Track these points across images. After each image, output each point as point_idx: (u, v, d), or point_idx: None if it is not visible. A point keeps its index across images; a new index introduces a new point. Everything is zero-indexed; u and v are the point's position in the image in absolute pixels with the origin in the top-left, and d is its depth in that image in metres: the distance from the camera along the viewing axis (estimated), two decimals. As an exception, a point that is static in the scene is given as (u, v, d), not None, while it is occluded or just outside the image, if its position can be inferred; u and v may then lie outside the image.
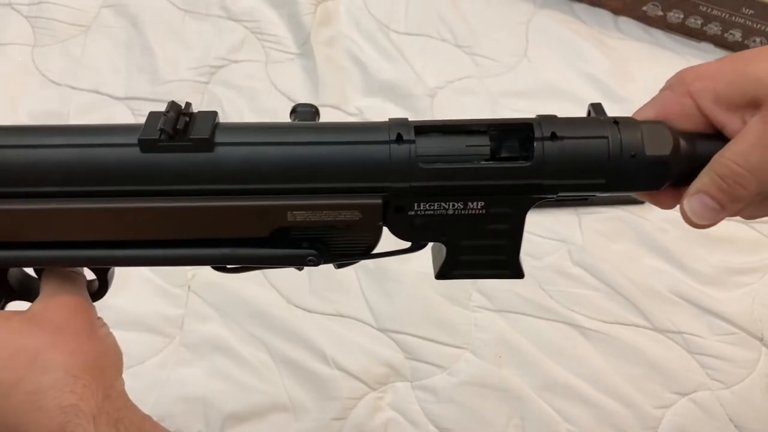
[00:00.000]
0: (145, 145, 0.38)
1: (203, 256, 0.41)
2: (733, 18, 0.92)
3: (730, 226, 0.80)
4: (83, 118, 0.88)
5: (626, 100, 0.88)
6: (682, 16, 0.95)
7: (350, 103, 0.89)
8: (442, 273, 0.43)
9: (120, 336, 0.70)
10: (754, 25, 0.91)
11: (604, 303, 0.74)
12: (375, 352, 0.71)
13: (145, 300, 0.73)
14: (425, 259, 0.76)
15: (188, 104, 0.40)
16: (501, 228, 0.41)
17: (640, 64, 0.94)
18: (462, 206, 0.40)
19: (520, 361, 0.70)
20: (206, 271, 0.75)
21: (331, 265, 0.80)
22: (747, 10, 0.90)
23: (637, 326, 0.73)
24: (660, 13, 0.96)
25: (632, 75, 0.93)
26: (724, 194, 0.39)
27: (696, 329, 0.73)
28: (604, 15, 0.99)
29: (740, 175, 0.39)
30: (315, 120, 0.43)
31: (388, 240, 0.42)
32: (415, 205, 0.40)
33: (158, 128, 0.38)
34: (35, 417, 0.36)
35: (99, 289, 0.46)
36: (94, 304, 0.45)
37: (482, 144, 0.40)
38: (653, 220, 0.80)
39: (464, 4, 0.99)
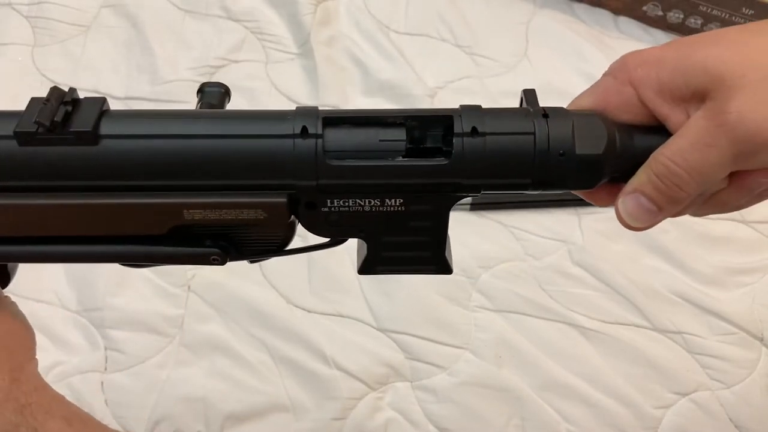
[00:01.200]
0: (22, 138, 0.35)
1: (99, 253, 0.39)
2: (733, 18, 0.92)
3: (730, 226, 0.80)
4: (83, 118, 0.88)
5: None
6: (682, 16, 0.95)
7: (350, 103, 0.89)
8: (365, 268, 0.40)
9: (120, 336, 0.71)
10: (754, 25, 0.91)
11: (604, 303, 0.74)
12: (375, 352, 0.71)
13: (145, 300, 0.73)
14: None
15: (72, 89, 0.36)
16: (423, 225, 0.39)
17: (640, 64, 0.94)
18: (379, 203, 0.37)
19: (520, 361, 0.70)
20: (207, 270, 0.75)
21: (331, 265, 0.80)
22: (747, 10, 0.90)
23: (637, 326, 0.73)
24: (660, 13, 0.96)
25: (632, 75, 0.93)
26: (660, 195, 0.36)
27: (696, 329, 0.73)
28: (604, 15, 0.99)
29: (678, 175, 0.35)
30: (224, 102, 0.40)
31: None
32: (328, 201, 0.37)
33: (34, 120, 0.34)
34: None
35: (1, 280, 0.44)
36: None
37: (398, 139, 0.36)
38: (653, 220, 0.80)
39: (464, 4, 0.99)
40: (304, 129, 0.36)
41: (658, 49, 0.37)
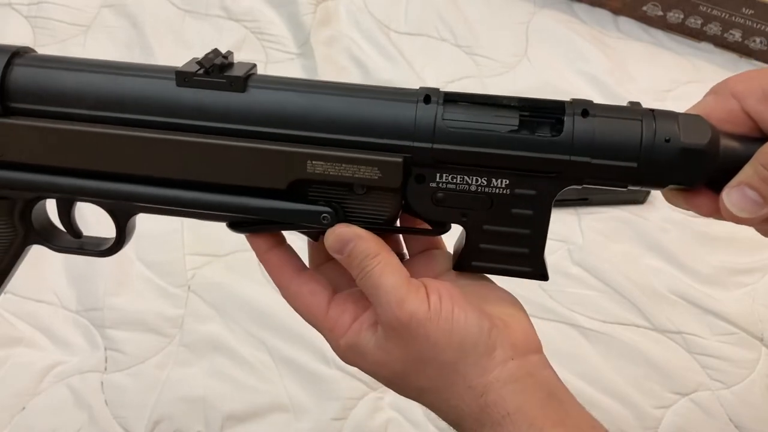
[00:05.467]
0: (181, 77, 0.39)
1: (222, 203, 0.41)
2: (733, 18, 0.92)
3: (730, 226, 0.79)
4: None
5: (626, 100, 0.88)
6: (682, 16, 0.95)
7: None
8: (461, 263, 0.42)
9: (120, 336, 0.71)
10: (754, 25, 0.91)
11: (604, 303, 0.74)
12: (375, 352, 0.71)
13: (145, 300, 0.73)
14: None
15: (230, 52, 0.41)
16: (525, 214, 0.40)
17: (640, 64, 0.94)
18: (485, 183, 0.39)
19: (520, 361, 0.70)
20: (206, 270, 0.75)
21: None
22: (747, 10, 0.90)
23: (637, 326, 0.73)
24: (660, 13, 0.96)
25: (632, 75, 0.93)
26: (766, 185, 0.37)
27: (696, 329, 0.72)
28: (604, 15, 0.99)
29: None
30: None
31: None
32: (437, 176, 0.39)
33: (196, 62, 0.39)
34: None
35: (116, 241, 0.45)
36: (112, 257, 0.45)
37: (511, 116, 0.38)
38: (653, 220, 0.80)
39: (464, 3, 0.99)
40: (427, 97, 0.39)
41: (758, 70, 0.40)
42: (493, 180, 0.39)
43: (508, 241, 0.41)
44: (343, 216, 0.41)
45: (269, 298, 0.74)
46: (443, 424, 0.67)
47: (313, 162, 0.39)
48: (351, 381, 0.69)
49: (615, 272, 0.76)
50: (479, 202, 0.40)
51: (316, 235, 0.43)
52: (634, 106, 0.40)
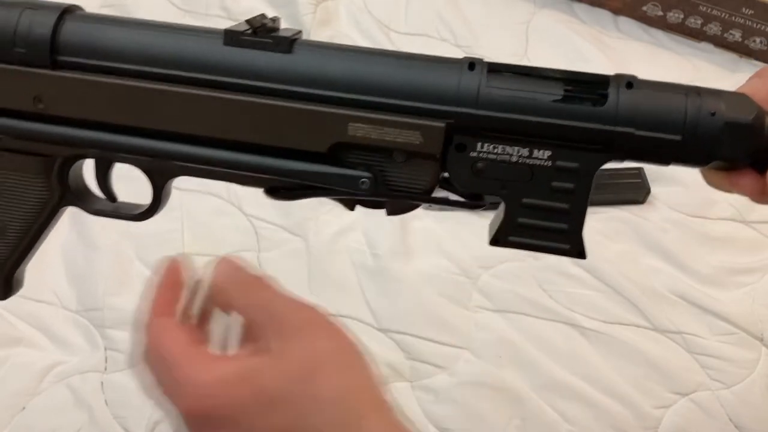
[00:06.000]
0: (229, 36, 0.39)
1: (262, 165, 0.41)
2: (733, 18, 0.92)
3: (730, 226, 0.80)
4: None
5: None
6: (682, 16, 0.95)
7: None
8: (497, 237, 0.41)
9: (120, 336, 0.71)
10: (754, 25, 0.91)
11: (604, 303, 0.74)
12: (375, 352, 0.71)
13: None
14: (426, 258, 0.76)
15: (277, 17, 0.41)
16: (566, 187, 0.39)
17: (640, 64, 0.94)
18: (527, 154, 0.39)
19: (520, 361, 0.70)
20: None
21: (331, 265, 0.80)
22: (747, 10, 0.90)
23: (637, 326, 0.73)
24: (660, 13, 0.96)
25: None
26: None
27: (696, 329, 0.72)
28: (604, 15, 0.99)
29: None
30: None
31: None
32: (478, 145, 0.39)
33: (245, 21, 0.39)
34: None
35: (152, 204, 0.45)
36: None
37: (555, 87, 0.38)
38: (653, 220, 0.80)
39: (464, 4, 0.99)
40: (472, 64, 0.39)
41: None
42: (535, 151, 0.39)
43: (547, 216, 0.40)
44: (383, 182, 0.41)
45: (269, 298, 0.74)
46: (443, 424, 0.68)
47: (355, 124, 0.39)
48: (351, 381, 0.69)
49: (615, 272, 0.75)
50: (520, 174, 0.39)
51: (352, 204, 0.43)
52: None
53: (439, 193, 0.43)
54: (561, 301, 0.74)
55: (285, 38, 0.39)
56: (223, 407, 0.35)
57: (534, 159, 0.39)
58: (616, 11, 0.98)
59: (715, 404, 0.69)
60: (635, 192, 0.81)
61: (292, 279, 0.75)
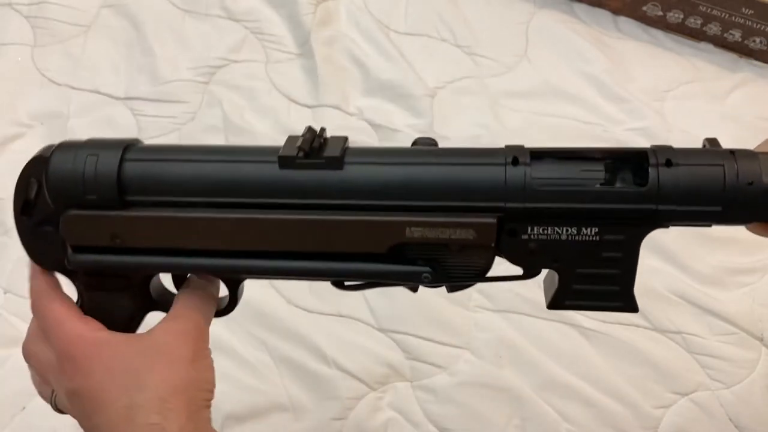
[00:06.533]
0: (284, 161, 0.41)
1: (327, 270, 0.43)
2: (733, 18, 0.92)
3: (731, 226, 0.80)
4: (83, 118, 0.88)
5: (626, 101, 0.88)
6: (681, 16, 0.95)
7: (350, 103, 0.89)
8: (555, 303, 0.43)
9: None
10: (754, 25, 0.91)
11: (604, 303, 0.74)
12: (375, 352, 0.71)
13: (145, 300, 0.73)
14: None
15: (323, 129, 0.43)
16: (615, 256, 0.41)
17: (640, 64, 0.94)
18: (575, 232, 0.41)
19: (520, 361, 0.70)
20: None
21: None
22: (747, 10, 0.90)
23: (637, 326, 0.73)
24: (660, 13, 0.96)
25: (632, 75, 0.93)
26: None
27: (696, 329, 0.73)
28: (604, 15, 0.99)
29: None
30: None
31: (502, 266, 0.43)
32: (529, 228, 0.41)
33: (296, 146, 0.41)
34: (125, 428, 0.40)
35: (229, 304, 0.49)
36: (221, 319, 0.49)
37: (597, 169, 0.40)
38: (653, 220, 0.80)
39: (464, 4, 0.99)
40: (515, 159, 0.40)
41: None
42: (583, 229, 0.41)
43: (598, 281, 0.42)
44: (442, 272, 0.43)
45: (269, 298, 0.74)
46: (443, 424, 0.68)
47: (412, 228, 0.41)
48: (351, 381, 0.69)
49: (615, 272, 0.75)
50: (570, 249, 0.41)
51: (415, 288, 0.45)
52: (713, 146, 0.41)
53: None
54: (561, 301, 0.74)
55: (336, 158, 0.41)
56: (89, 357, 0.42)
57: (582, 235, 0.41)
58: (616, 11, 0.98)
59: (715, 404, 0.69)
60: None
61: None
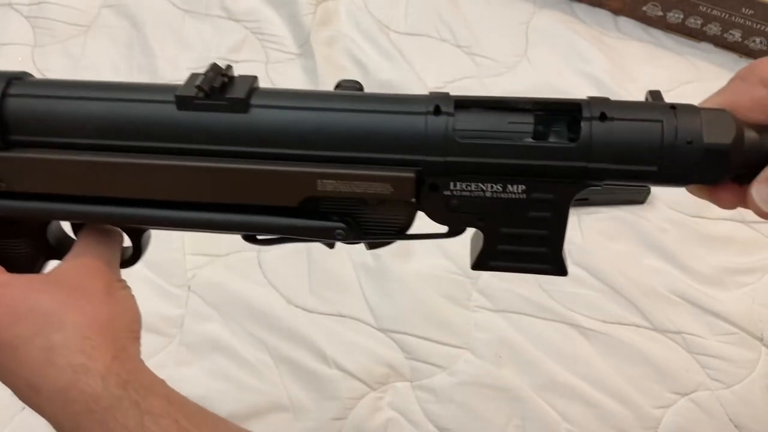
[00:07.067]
0: (182, 101, 0.38)
1: (233, 222, 0.41)
2: (733, 18, 0.92)
3: (730, 226, 0.80)
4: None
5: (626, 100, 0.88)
6: (682, 16, 0.95)
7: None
8: (479, 263, 0.41)
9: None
10: (754, 25, 0.91)
11: (604, 303, 0.74)
12: (375, 352, 0.71)
13: (145, 300, 0.72)
14: (426, 258, 0.76)
15: (229, 66, 0.39)
16: (543, 216, 0.39)
17: (640, 64, 0.94)
18: (501, 189, 0.38)
19: (520, 361, 0.70)
20: (206, 270, 0.75)
21: (331, 265, 0.80)
22: (747, 10, 0.90)
23: (637, 326, 0.73)
24: (660, 13, 0.96)
25: (632, 75, 0.93)
26: None
27: (696, 329, 0.72)
28: (604, 15, 0.99)
29: None
30: None
31: (425, 225, 0.41)
32: (451, 184, 0.38)
33: (195, 85, 0.37)
34: (46, 372, 0.37)
35: (133, 254, 0.46)
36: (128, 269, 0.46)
37: (525, 122, 0.37)
38: (653, 220, 0.80)
39: (464, 4, 0.99)
40: (437, 108, 0.37)
41: None
42: (509, 186, 0.38)
43: (525, 242, 0.40)
44: (358, 228, 0.40)
45: (269, 298, 0.74)
46: (443, 424, 0.68)
47: (323, 180, 0.38)
48: (351, 381, 0.69)
49: (615, 272, 0.76)
50: (495, 208, 0.39)
51: (331, 245, 0.43)
52: (655, 99, 0.39)
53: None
54: (561, 301, 0.74)
55: (240, 99, 0.38)
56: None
57: (508, 193, 0.38)
58: (616, 11, 0.98)
59: (715, 404, 0.69)
60: (635, 192, 0.81)
61: (292, 279, 0.75)
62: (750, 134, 0.37)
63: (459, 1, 0.99)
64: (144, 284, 0.74)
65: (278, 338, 0.71)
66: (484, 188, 0.38)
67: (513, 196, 0.38)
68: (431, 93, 0.39)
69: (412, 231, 0.42)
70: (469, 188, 0.38)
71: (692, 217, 0.80)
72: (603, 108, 0.37)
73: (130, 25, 0.95)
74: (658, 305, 0.74)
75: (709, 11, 0.92)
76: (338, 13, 0.96)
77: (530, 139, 0.37)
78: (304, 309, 0.73)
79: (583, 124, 0.36)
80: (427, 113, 0.37)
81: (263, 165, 0.38)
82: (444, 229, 0.41)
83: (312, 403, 0.68)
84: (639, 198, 0.81)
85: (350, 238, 0.41)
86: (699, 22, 0.94)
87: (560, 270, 0.41)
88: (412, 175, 0.38)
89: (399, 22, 0.97)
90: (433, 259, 0.77)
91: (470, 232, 0.42)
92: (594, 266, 0.76)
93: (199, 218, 0.41)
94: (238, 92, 0.38)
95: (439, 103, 0.37)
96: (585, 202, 0.80)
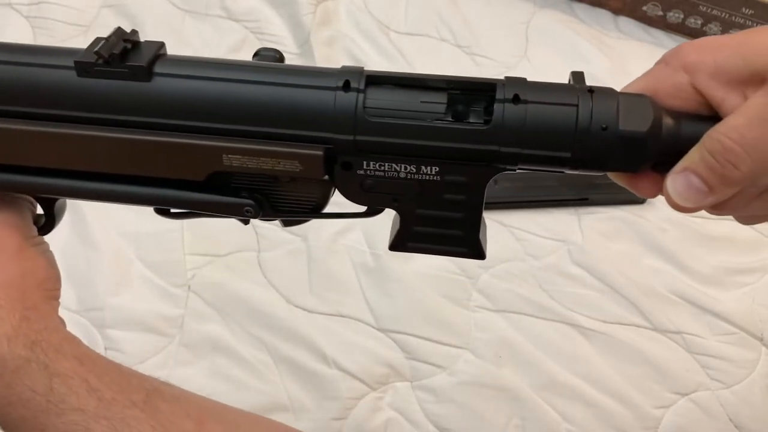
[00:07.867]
0: (81, 67, 0.36)
1: (139, 195, 0.40)
2: (733, 18, 0.92)
3: (730, 226, 0.80)
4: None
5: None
6: (682, 16, 0.95)
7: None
8: (395, 244, 0.40)
9: (120, 336, 0.71)
10: (754, 25, 0.91)
11: (604, 303, 0.74)
12: (375, 352, 0.71)
13: (144, 300, 0.73)
14: (426, 258, 0.76)
15: (134, 31, 0.38)
16: (458, 199, 0.38)
17: (640, 64, 0.93)
18: (414, 170, 0.37)
19: (520, 361, 0.70)
20: (206, 270, 0.75)
21: (331, 265, 0.80)
22: (747, 10, 0.90)
23: (637, 326, 0.73)
24: (660, 13, 0.96)
25: (632, 75, 0.92)
26: (712, 174, 0.34)
27: (696, 329, 0.73)
28: (604, 15, 0.99)
29: (732, 151, 0.33)
30: None
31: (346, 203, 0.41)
32: (364, 163, 0.37)
33: (94, 51, 0.36)
34: None
35: (46, 222, 0.45)
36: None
37: (439, 101, 0.36)
38: (653, 220, 0.80)
39: (464, 4, 0.99)
40: (347, 83, 0.36)
41: (715, 37, 0.36)
42: (423, 167, 0.37)
43: (441, 224, 0.39)
44: (268, 206, 0.39)
45: (269, 298, 0.74)
46: (443, 424, 0.68)
47: (229, 156, 0.37)
48: (351, 381, 0.69)
49: (615, 272, 0.76)
50: (409, 188, 0.38)
51: (245, 221, 0.42)
52: (577, 81, 0.37)
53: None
54: (561, 301, 0.74)
55: (141, 67, 0.36)
56: None
57: (422, 174, 0.38)
58: (616, 11, 0.98)
59: (715, 404, 0.69)
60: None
61: (292, 279, 0.75)
62: (669, 121, 0.36)
63: (459, 1, 0.99)
64: (144, 284, 0.74)
65: (278, 338, 0.71)
66: (398, 169, 0.37)
67: (427, 177, 0.38)
68: (343, 67, 0.37)
69: (330, 209, 0.41)
70: (382, 168, 0.37)
71: (692, 217, 0.80)
72: (517, 90, 0.35)
73: (130, 25, 0.94)
74: (658, 305, 0.74)
75: (709, 11, 0.92)
76: (338, 13, 0.96)
77: (441, 121, 0.36)
78: (304, 309, 0.73)
79: (496, 107, 0.35)
80: (336, 89, 0.36)
81: (165, 137, 0.37)
82: (362, 208, 0.40)
83: (312, 403, 0.68)
84: (639, 198, 0.81)
85: (260, 216, 0.40)
86: (699, 21, 0.94)
87: (477, 254, 0.40)
88: (320, 153, 0.36)
89: (399, 21, 0.97)
90: (433, 260, 0.77)
91: (390, 213, 0.41)
92: (594, 266, 0.76)
93: (103, 189, 0.40)
94: (140, 59, 0.36)
95: (349, 78, 0.36)
96: (585, 202, 0.80)
